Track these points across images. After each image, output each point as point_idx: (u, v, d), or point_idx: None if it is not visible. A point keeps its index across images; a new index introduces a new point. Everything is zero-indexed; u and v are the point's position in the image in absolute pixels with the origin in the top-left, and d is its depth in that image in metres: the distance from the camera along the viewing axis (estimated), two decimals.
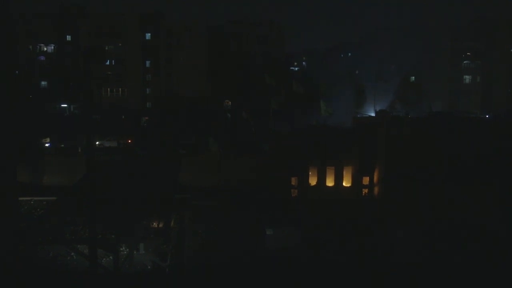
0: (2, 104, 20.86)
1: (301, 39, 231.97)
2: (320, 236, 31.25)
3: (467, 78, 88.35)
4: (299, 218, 32.97)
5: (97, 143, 53.46)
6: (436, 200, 35.36)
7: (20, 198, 28.43)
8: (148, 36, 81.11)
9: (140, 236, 26.77)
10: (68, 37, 79.45)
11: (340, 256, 29.05)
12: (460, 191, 35.71)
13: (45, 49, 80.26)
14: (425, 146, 38.12)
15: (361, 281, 26.28)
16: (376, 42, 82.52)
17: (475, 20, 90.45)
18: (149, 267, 26.62)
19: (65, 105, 79.10)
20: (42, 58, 79.84)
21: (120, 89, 79.28)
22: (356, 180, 37.97)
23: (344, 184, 38.09)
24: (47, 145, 56.22)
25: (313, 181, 38.08)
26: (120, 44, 78.51)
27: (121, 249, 26.29)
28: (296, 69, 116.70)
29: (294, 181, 38.22)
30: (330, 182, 38.02)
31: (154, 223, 28.17)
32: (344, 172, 37.91)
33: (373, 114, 59.41)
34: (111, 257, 25.44)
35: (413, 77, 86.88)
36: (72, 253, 26.42)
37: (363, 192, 38.22)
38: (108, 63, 78.21)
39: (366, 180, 38.16)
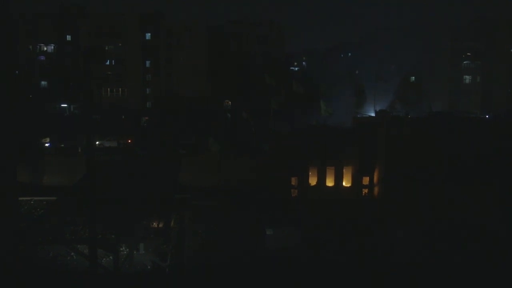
0: (2, 104, 20.85)
1: (301, 39, 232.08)
2: (320, 236, 31.26)
3: (467, 78, 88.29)
4: (299, 218, 32.97)
5: (97, 143, 53.46)
6: (436, 200, 35.37)
7: (20, 198, 28.42)
8: (148, 36, 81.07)
9: (140, 236, 26.77)
10: (68, 37, 79.40)
11: (340, 256, 29.06)
12: (460, 191, 35.72)
13: (45, 49, 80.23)
14: (425, 146, 38.10)
15: (361, 281, 26.28)
16: (376, 42, 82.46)
17: (475, 20, 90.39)
18: (149, 267, 26.62)
19: (65, 105, 79.08)
20: (42, 58, 79.81)
21: (120, 89, 79.27)
22: (356, 180, 37.99)
23: (344, 184, 38.11)
24: (47, 145, 56.24)
25: (313, 181, 38.10)
26: (120, 44, 78.47)
27: (121, 249, 26.29)
28: (296, 69, 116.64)
29: (294, 181, 38.24)
30: (330, 182, 38.03)
31: (154, 223, 28.17)
32: (344, 172, 37.94)
33: (373, 114, 59.39)
34: (111, 257, 25.44)
35: (413, 77, 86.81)
36: (72, 253, 26.43)
37: (363, 192, 38.24)
38: (108, 63, 78.19)
39: (366, 180, 38.19)
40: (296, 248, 29.73)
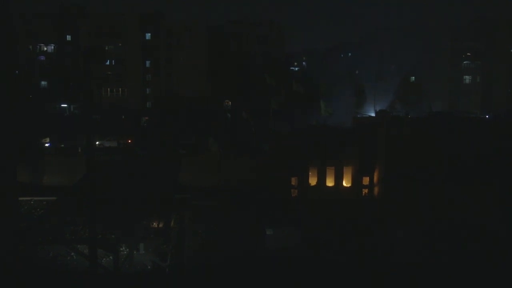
0: (2, 104, 20.85)
1: (301, 39, 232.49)
2: (320, 236, 31.24)
3: (467, 78, 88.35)
4: (299, 218, 32.96)
5: (97, 143, 53.48)
6: (436, 200, 35.37)
7: (20, 198, 28.40)
8: (148, 36, 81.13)
9: (140, 236, 26.75)
10: (68, 37, 79.47)
11: (340, 256, 29.04)
12: (460, 191, 35.73)
13: (45, 49, 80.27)
14: (425, 146, 38.13)
15: (361, 281, 26.27)
16: (376, 42, 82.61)
17: (475, 20, 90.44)
18: (149, 267, 26.62)
19: (65, 105, 79.10)
20: (42, 58, 79.84)
21: (120, 89, 79.30)
22: (356, 180, 37.97)
23: (344, 184, 38.09)
24: (47, 145, 56.24)
25: (313, 181, 38.07)
26: (120, 44, 78.51)
27: (121, 249, 26.28)
28: (296, 69, 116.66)
29: (294, 181, 38.21)
30: (330, 182, 38.01)
31: (154, 223, 28.14)
32: (344, 172, 37.90)
33: (373, 114, 59.44)
34: (111, 257, 25.42)
35: (413, 77, 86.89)
36: (72, 253, 26.41)
37: (363, 192, 38.21)
38: (108, 63, 78.17)
39: (366, 180, 38.15)
40: (296, 248, 29.71)
